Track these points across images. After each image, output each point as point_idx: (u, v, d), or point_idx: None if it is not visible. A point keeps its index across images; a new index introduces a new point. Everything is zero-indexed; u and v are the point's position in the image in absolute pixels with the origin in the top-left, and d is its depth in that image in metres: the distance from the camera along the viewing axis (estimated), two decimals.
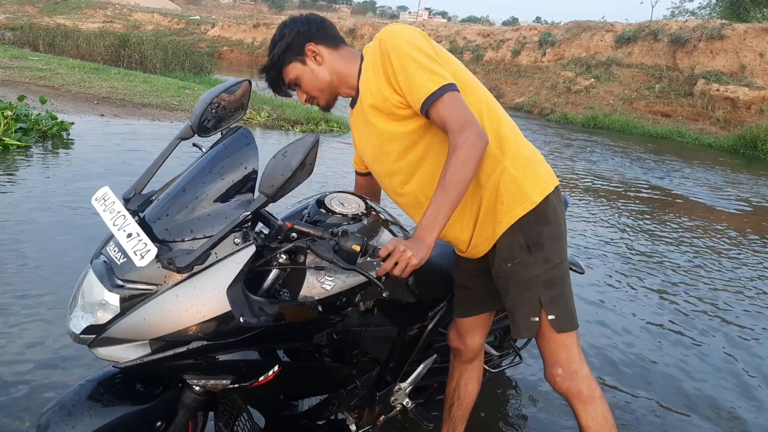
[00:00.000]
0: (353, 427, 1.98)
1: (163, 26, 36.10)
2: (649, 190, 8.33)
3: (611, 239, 5.65)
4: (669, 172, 10.16)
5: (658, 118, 17.80)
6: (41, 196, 4.73)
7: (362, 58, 1.70)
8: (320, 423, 1.89)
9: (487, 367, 2.45)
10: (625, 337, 3.61)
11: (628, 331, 3.70)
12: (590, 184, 8.27)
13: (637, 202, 7.48)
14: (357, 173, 2.05)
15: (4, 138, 5.90)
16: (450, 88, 1.52)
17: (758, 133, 14.35)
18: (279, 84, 1.71)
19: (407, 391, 2.12)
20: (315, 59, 1.68)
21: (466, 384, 2.08)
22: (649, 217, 6.76)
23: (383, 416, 2.10)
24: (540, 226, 1.68)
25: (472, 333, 1.98)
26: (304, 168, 1.28)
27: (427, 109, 1.53)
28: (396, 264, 1.42)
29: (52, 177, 5.32)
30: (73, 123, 7.01)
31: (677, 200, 7.96)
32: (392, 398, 2.10)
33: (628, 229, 6.11)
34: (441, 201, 1.48)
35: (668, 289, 4.52)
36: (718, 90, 17.20)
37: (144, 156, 6.29)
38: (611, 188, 8.16)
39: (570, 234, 4.70)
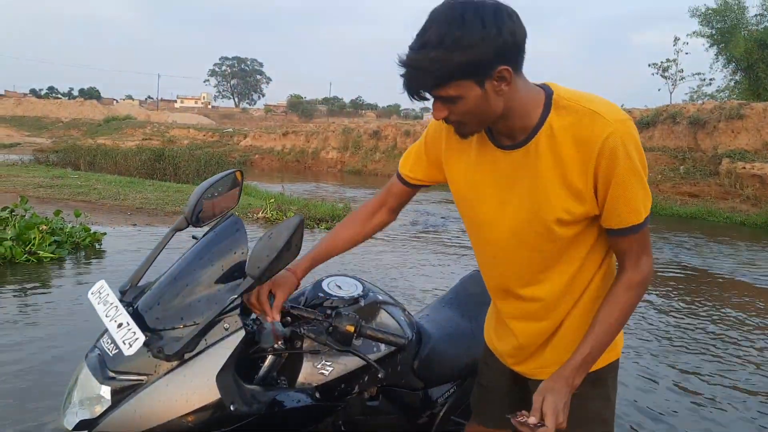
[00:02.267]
0: None
1: (198, 140, 37.93)
2: (687, 271, 8.10)
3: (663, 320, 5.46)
4: (703, 251, 9.92)
5: (686, 199, 17.61)
6: (70, 303, 4.85)
7: (548, 97, 1.30)
8: None
9: None
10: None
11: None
12: None
13: (672, 282, 7.26)
14: (403, 180, 1.61)
15: (38, 251, 6.13)
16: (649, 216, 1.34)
17: None
18: (418, 91, 1.22)
19: None
20: (499, 87, 1.21)
21: None
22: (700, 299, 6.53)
23: None
24: (612, 371, 1.58)
25: None
26: (290, 248, 1.30)
27: (624, 234, 1.31)
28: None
29: (82, 285, 5.48)
30: (105, 233, 7.26)
31: (718, 279, 7.71)
32: None
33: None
34: (601, 341, 1.35)
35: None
36: (744, 168, 17.08)
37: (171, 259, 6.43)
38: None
39: None
